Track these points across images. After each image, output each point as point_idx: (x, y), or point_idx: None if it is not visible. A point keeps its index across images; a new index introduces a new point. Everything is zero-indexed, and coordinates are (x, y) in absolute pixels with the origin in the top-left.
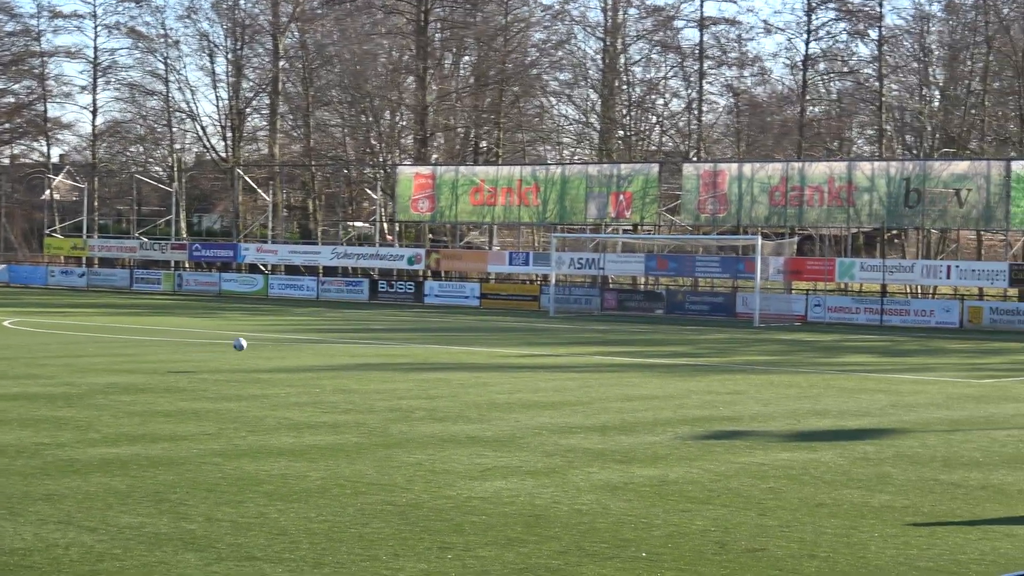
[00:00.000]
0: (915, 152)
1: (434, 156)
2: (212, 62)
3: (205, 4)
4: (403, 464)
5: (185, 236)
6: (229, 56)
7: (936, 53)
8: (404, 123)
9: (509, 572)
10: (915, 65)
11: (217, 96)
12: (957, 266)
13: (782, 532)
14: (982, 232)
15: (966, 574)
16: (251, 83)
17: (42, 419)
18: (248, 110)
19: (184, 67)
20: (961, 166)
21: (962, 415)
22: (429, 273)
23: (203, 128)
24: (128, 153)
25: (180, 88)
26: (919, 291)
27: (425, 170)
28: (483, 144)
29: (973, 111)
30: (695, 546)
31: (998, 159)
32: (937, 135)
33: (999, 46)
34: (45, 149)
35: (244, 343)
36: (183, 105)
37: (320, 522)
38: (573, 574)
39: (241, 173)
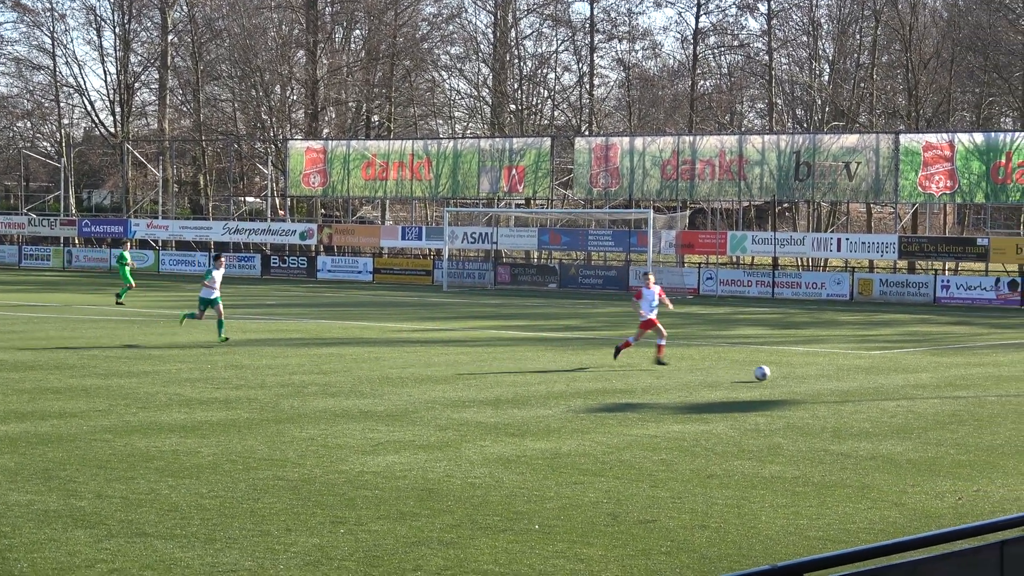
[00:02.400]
0: (805, 126)
1: (325, 131)
2: (100, 36)
3: None
4: (295, 439)
5: (74, 212)
6: (117, 30)
7: (825, 27)
8: (295, 97)
9: (401, 546)
10: (804, 39)
11: (105, 70)
12: (847, 239)
13: (674, 503)
14: (872, 205)
15: (855, 543)
16: (140, 57)
17: None
18: (137, 85)
19: (71, 41)
20: (851, 139)
21: (852, 386)
22: (321, 248)
23: (91, 103)
24: (15, 128)
25: (67, 62)
26: (810, 264)
27: (316, 145)
28: (375, 118)
29: (862, 84)
30: (587, 518)
31: (887, 132)
32: (827, 108)
33: (887, 20)
34: None
35: (767, 371)
36: (71, 80)
37: (212, 498)
38: (466, 547)
39: (130, 148)
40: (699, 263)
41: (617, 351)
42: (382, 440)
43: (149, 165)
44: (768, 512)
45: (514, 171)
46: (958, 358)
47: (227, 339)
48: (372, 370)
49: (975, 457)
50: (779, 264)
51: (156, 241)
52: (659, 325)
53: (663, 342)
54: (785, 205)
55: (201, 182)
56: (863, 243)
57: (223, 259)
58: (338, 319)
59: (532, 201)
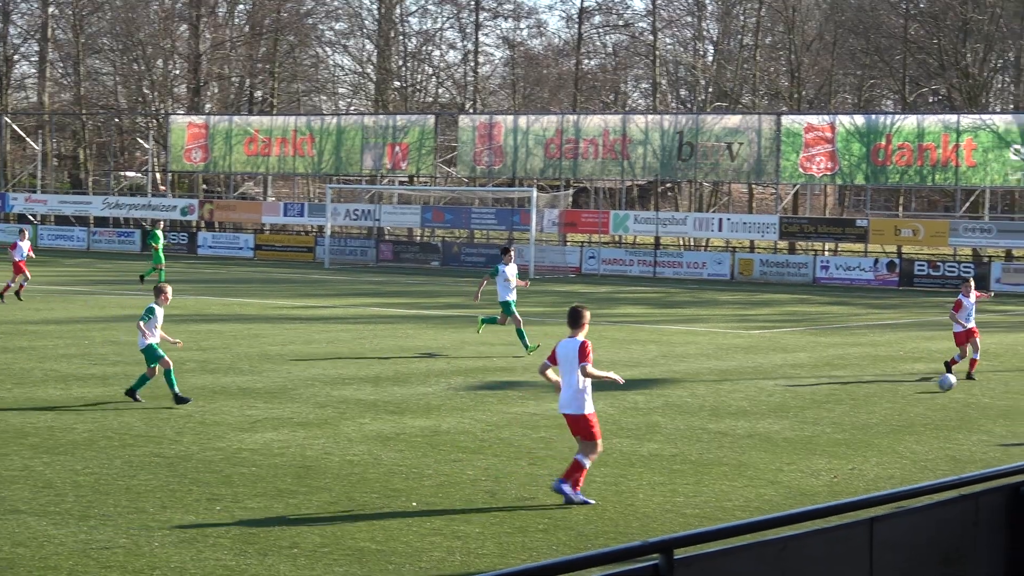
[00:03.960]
0: (688, 106)
1: (208, 106)
2: None
3: None
4: (172, 416)
5: None
6: None
7: (709, 8)
8: (177, 72)
9: (278, 523)
10: (689, 19)
11: None
12: (728, 219)
13: (552, 480)
14: (753, 185)
15: (731, 520)
16: (19, 29)
17: None
18: (16, 57)
19: None
20: (733, 120)
21: (731, 365)
22: (203, 224)
23: None
24: None
25: None
26: (692, 243)
27: (199, 120)
28: (258, 94)
29: (745, 66)
30: (466, 495)
31: (769, 113)
32: (710, 89)
33: (770, 1)
34: None
35: (953, 380)
36: None
37: (87, 474)
38: (343, 524)
39: (9, 121)
40: (582, 242)
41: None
42: (260, 417)
43: (28, 138)
44: (645, 490)
45: (398, 148)
46: (836, 338)
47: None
48: (251, 347)
49: (851, 436)
50: (661, 244)
51: (34, 215)
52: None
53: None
54: (668, 185)
55: (81, 156)
56: (744, 223)
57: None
58: (218, 296)
59: (415, 179)
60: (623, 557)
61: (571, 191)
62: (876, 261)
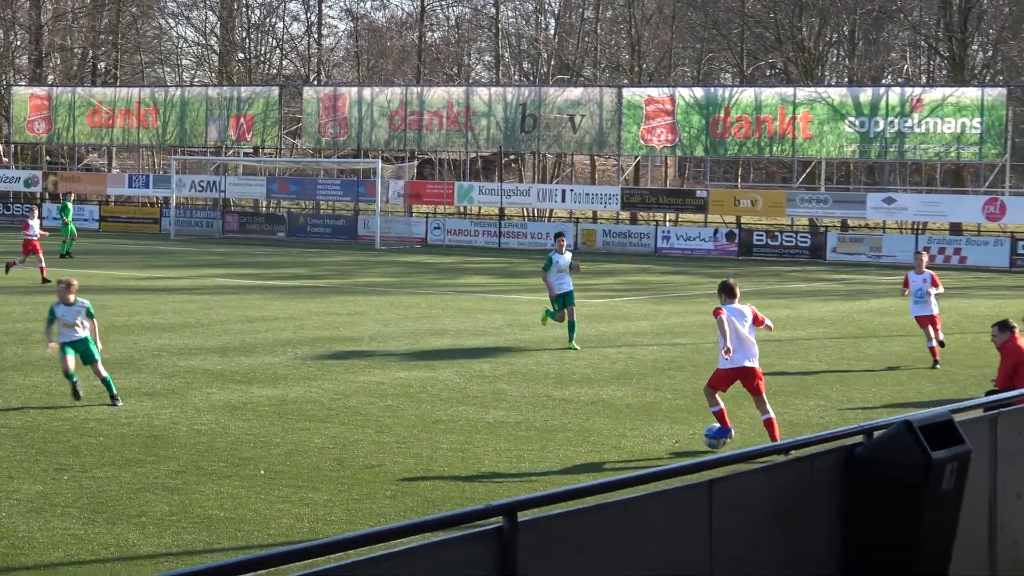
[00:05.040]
0: (531, 79)
1: (50, 77)
2: None
3: None
4: (18, 387)
5: None
6: None
7: None
8: (19, 43)
9: (126, 492)
10: None
11: None
12: (571, 190)
13: (399, 448)
14: (596, 157)
15: (575, 482)
16: None
17: None
18: None
19: None
20: (575, 93)
21: (576, 334)
22: (47, 196)
23: None
24: None
25: None
26: (536, 214)
27: (41, 91)
28: (101, 65)
29: (587, 39)
30: (313, 463)
31: (610, 86)
32: (552, 62)
33: None
34: None
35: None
36: None
37: None
38: (191, 493)
39: None
40: (427, 213)
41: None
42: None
43: None
44: (491, 456)
45: (242, 120)
46: (677, 306)
47: None
48: (98, 318)
49: (692, 402)
50: (505, 214)
51: None
52: None
53: None
54: (512, 157)
55: None
56: (587, 194)
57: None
58: (62, 267)
59: (260, 150)
60: (467, 520)
61: (416, 163)
62: (716, 231)
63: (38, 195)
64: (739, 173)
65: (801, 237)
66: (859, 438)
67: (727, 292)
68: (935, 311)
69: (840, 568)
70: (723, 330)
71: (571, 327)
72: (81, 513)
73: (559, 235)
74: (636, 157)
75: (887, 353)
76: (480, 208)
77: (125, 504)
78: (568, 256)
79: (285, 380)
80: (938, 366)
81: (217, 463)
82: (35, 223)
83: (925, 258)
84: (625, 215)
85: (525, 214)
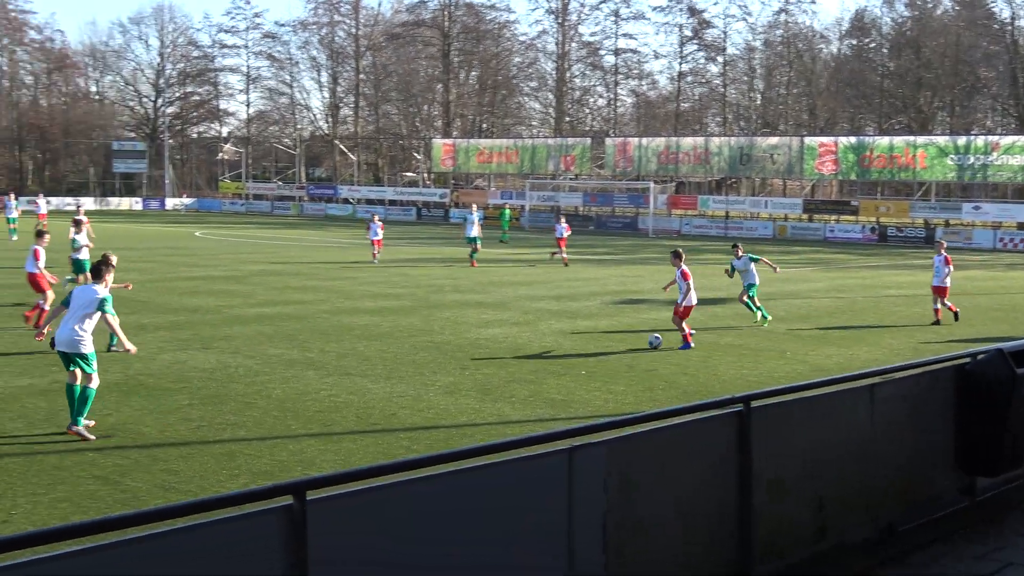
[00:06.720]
0: (745, 132)
1: (454, 132)
2: (319, 74)
3: (314, 39)
4: (439, 319)
5: (304, 181)
6: (328, 71)
7: (758, 71)
8: (436, 112)
9: (502, 382)
10: (745, 77)
11: (322, 95)
12: (771, 200)
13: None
14: (787, 180)
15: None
16: (343, 87)
17: (221, 291)
18: (341, 104)
19: (301, 77)
20: (774, 140)
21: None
22: (452, 204)
23: (314, 115)
24: (269, 131)
25: (299, 91)
26: (748, 215)
27: (448, 141)
28: (484, 125)
29: (781, 106)
30: (613, 368)
31: (796, 136)
32: (759, 121)
33: (797, 67)
34: (218, 128)
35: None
36: (301, 101)
37: (389, 353)
38: (540, 383)
39: (338, 143)
40: (680, 215)
41: None
42: None
43: (349, 153)
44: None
45: (568, 158)
46: (838, 273)
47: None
48: (506, 282)
49: (853, 334)
50: (729, 216)
51: (352, 200)
52: None
53: None
54: (733, 180)
55: (379, 164)
56: (781, 203)
57: None
58: (488, 248)
59: (579, 176)
60: (256, 498)
61: (674, 184)
62: (863, 227)
63: (447, 203)
64: (879, 190)
65: (919, 231)
66: (967, 360)
67: (676, 256)
68: (947, 283)
69: (955, 447)
70: (689, 285)
71: (756, 308)
72: (475, 394)
73: (735, 245)
74: (813, 180)
75: (975, 306)
76: (713, 212)
77: (501, 390)
78: (744, 258)
79: (596, 316)
80: (939, 324)
81: (557, 366)
82: (376, 226)
83: (944, 245)
84: (805, 216)
85: (741, 215)
